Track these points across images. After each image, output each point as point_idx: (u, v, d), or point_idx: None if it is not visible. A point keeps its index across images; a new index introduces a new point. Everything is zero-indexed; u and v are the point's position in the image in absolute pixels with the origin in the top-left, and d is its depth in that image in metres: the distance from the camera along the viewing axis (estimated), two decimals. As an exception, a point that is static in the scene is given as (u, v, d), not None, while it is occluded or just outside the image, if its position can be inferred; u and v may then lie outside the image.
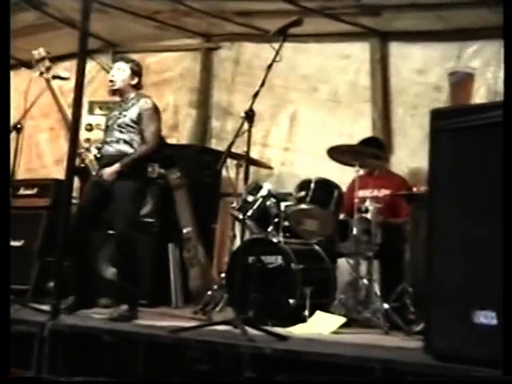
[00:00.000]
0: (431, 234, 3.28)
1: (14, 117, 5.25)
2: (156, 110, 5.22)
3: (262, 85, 4.17)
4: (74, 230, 4.86)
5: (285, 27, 4.25)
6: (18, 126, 5.12)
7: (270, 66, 4.20)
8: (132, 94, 5.27)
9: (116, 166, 5.03)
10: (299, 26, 4.26)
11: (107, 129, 5.29)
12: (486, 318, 2.94)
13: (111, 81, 5.24)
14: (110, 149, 5.16)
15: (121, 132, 5.15)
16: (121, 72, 5.25)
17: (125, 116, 5.17)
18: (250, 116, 4.13)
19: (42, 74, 5.30)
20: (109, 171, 5.03)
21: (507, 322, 2.84)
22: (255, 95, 4.17)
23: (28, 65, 8.37)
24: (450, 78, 5.03)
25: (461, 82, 4.39)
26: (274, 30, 4.27)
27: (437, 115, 3.35)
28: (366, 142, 5.89)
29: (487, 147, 3.14)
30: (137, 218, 5.41)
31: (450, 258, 3.15)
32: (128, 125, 5.14)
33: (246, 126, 4.17)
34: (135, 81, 5.28)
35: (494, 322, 2.91)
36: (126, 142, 5.13)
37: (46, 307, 4.40)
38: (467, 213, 3.14)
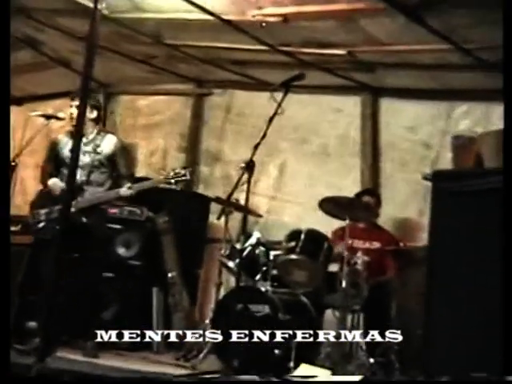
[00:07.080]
0: (430, 290, 3.32)
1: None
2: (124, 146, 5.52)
3: (264, 137, 4.20)
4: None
5: (288, 80, 4.31)
6: (13, 163, 5.08)
7: (271, 119, 4.25)
8: (93, 129, 5.39)
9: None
10: (302, 80, 4.33)
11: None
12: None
13: (71, 118, 5.26)
14: (86, 194, 5.26)
15: (91, 172, 5.29)
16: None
17: (99, 154, 5.30)
18: (250, 166, 4.16)
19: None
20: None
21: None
22: (256, 146, 4.20)
23: (18, 102, 8.41)
24: (453, 141, 5.16)
25: (463, 145, 4.52)
26: (278, 84, 4.33)
27: (439, 176, 3.41)
28: (361, 194, 6.04)
29: (485, 210, 3.21)
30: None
31: (449, 312, 3.18)
32: (102, 164, 5.31)
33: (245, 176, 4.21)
34: (94, 114, 5.38)
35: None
36: (98, 184, 5.34)
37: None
38: (466, 269, 3.19)
